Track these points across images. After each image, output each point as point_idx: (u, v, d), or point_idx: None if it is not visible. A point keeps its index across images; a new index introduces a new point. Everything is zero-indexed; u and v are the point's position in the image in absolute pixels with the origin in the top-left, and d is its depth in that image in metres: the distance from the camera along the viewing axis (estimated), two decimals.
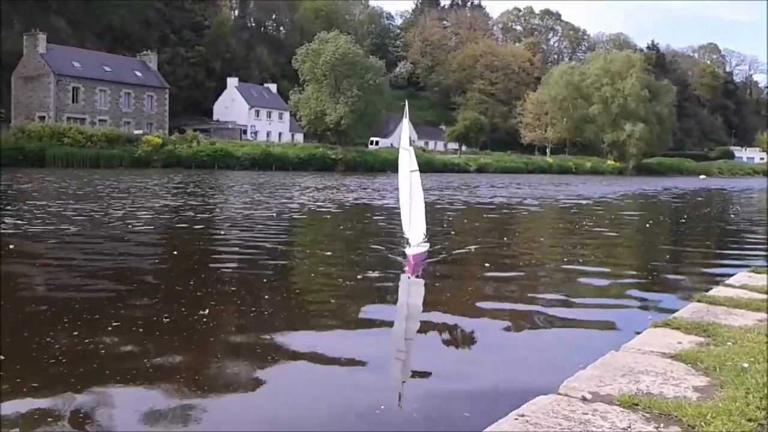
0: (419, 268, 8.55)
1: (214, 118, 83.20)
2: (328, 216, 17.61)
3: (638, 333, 4.74)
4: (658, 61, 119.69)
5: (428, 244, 9.48)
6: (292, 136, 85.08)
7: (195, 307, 6.30)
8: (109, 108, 67.51)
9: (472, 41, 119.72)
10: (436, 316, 6.39)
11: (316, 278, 8.56)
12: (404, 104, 9.79)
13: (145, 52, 74.33)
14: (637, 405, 3.28)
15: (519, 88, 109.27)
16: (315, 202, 21.98)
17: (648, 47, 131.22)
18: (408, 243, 9.09)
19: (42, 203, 17.95)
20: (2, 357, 4.65)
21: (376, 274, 8.38)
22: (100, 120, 65.27)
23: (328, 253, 10.57)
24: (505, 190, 36.31)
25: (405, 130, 9.09)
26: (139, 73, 71.39)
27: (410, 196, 9.08)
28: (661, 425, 3.07)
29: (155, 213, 16.47)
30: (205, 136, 64.19)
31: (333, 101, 70.22)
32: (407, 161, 9.07)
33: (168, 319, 5.90)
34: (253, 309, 6.51)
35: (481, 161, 79.91)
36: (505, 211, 21.82)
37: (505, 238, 13.58)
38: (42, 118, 60.25)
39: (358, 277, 8.19)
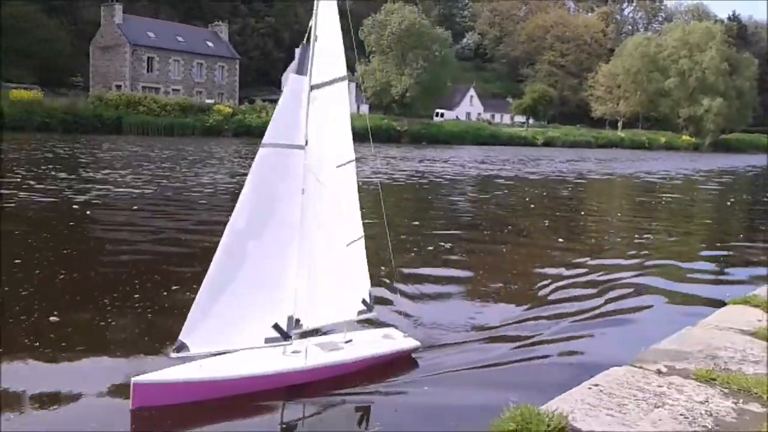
0: None
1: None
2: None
3: (715, 310, 4.66)
4: (740, 33, 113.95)
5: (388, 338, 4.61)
6: (358, 107, 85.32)
7: None
8: (182, 78, 69.13)
9: (543, 11, 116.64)
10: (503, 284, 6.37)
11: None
12: None
13: (216, 22, 75.52)
14: (714, 380, 3.26)
15: (591, 60, 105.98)
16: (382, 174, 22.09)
17: (729, 18, 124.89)
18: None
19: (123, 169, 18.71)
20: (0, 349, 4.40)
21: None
22: (173, 89, 67.00)
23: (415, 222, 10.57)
24: (582, 165, 35.56)
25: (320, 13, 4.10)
26: (210, 44, 72.72)
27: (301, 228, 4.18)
28: (740, 401, 3.05)
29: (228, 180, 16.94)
30: (273, 106, 65.06)
31: (398, 73, 69.99)
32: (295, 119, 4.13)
33: None
34: None
35: (549, 135, 78.26)
36: (570, 184, 21.44)
37: (582, 213, 13.35)
38: (118, 87, 62.27)
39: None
